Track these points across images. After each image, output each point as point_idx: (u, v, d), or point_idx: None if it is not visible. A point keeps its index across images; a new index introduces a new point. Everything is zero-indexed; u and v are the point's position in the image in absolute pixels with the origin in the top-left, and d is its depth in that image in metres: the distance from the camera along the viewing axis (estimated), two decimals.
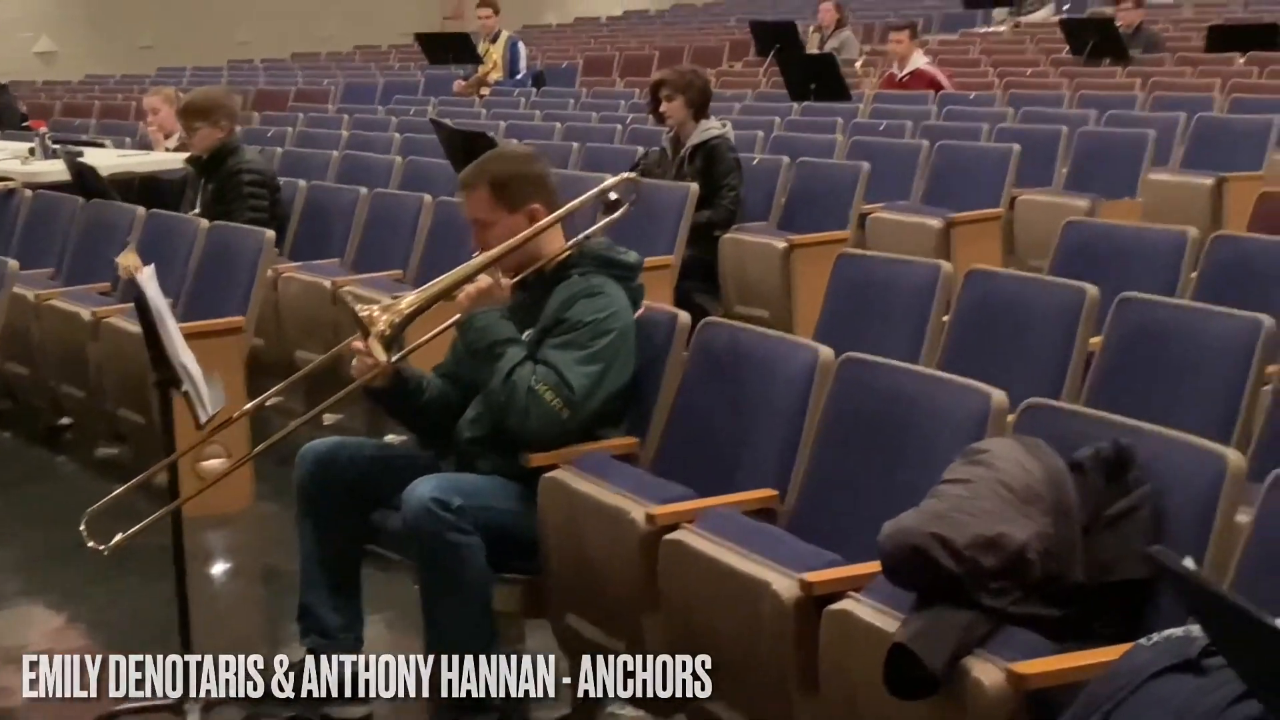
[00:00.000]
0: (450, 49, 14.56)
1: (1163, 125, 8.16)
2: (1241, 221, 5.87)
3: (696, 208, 6.83)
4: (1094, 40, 11.77)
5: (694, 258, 6.87)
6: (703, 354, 3.97)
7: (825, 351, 3.69)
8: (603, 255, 3.93)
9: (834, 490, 3.49)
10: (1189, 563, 1.97)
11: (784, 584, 3.03)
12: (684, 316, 4.03)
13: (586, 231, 3.98)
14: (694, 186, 6.85)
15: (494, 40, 13.91)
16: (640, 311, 3.96)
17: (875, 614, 2.83)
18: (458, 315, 3.88)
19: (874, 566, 2.89)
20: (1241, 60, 11.12)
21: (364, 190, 7.31)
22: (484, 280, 3.84)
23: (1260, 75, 10.36)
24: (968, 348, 4.34)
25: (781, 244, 6.89)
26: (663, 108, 7.38)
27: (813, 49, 13.13)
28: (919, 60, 11.27)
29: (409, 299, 3.82)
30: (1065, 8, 16.71)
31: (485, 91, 13.32)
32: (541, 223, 3.90)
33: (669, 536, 3.35)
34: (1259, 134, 7.91)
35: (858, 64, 12.50)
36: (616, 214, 3.96)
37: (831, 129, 8.94)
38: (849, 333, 4.44)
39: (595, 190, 4.03)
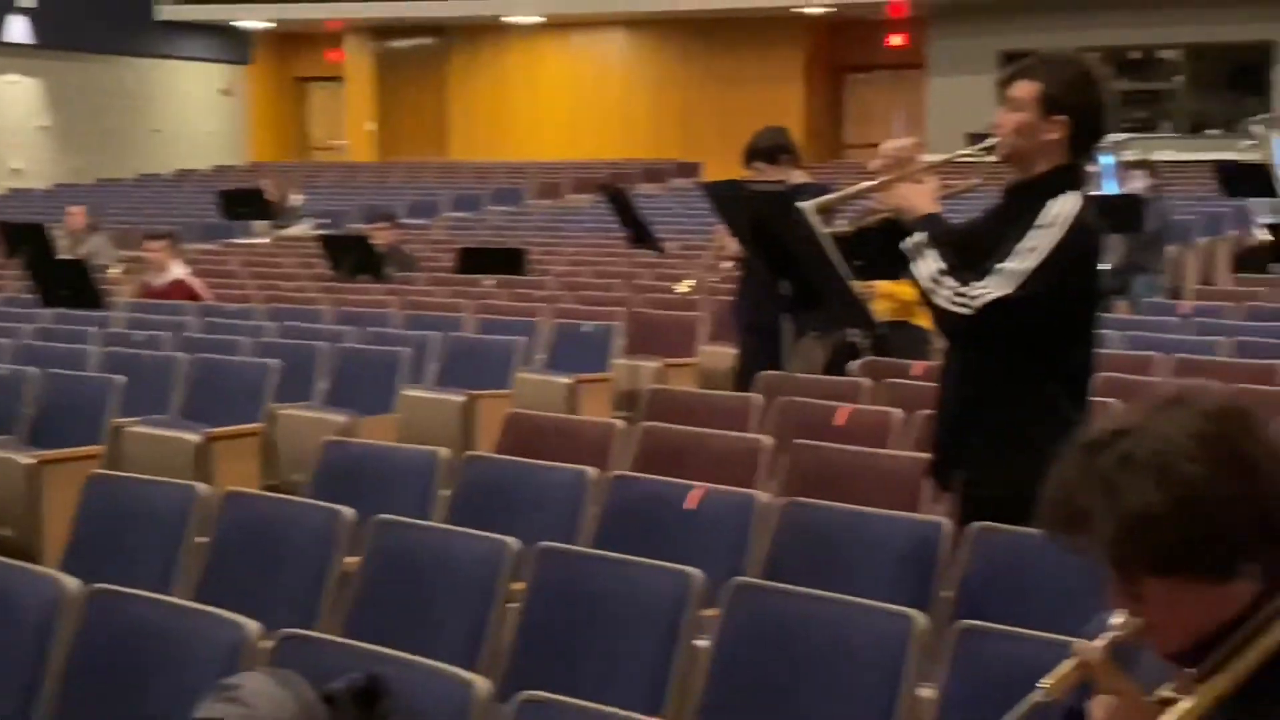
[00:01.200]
0: None
1: (417, 343, 8.44)
2: (492, 440, 6.12)
3: None
4: (352, 257, 12.08)
5: None
6: None
7: (71, 583, 3.51)
8: None
9: None
10: None
11: None
12: None
13: None
14: None
15: None
16: None
17: None
18: None
19: None
20: (490, 282, 11.72)
21: None
22: None
23: (508, 297, 10.96)
24: (226, 574, 4.26)
25: (27, 460, 6.55)
26: None
27: (66, 254, 12.74)
28: (178, 270, 11.16)
29: None
30: (324, 223, 17.10)
31: None
32: None
33: None
34: (507, 354, 8.33)
35: (114, 270, 12.23)
36: None
37: (84, 338, 8.67)
38: (101, 559, 4.25)
39: None
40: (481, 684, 2.91)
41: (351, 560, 4.20)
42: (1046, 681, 1.88)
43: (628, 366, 8.30)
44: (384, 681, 2.92)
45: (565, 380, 7.98)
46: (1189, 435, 1.83)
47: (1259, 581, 1.86)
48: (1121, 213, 10.66)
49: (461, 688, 2.90)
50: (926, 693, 3.32)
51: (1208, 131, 21.00)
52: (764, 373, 6.64)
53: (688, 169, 21.79)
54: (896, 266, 4.02)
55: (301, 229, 16.63)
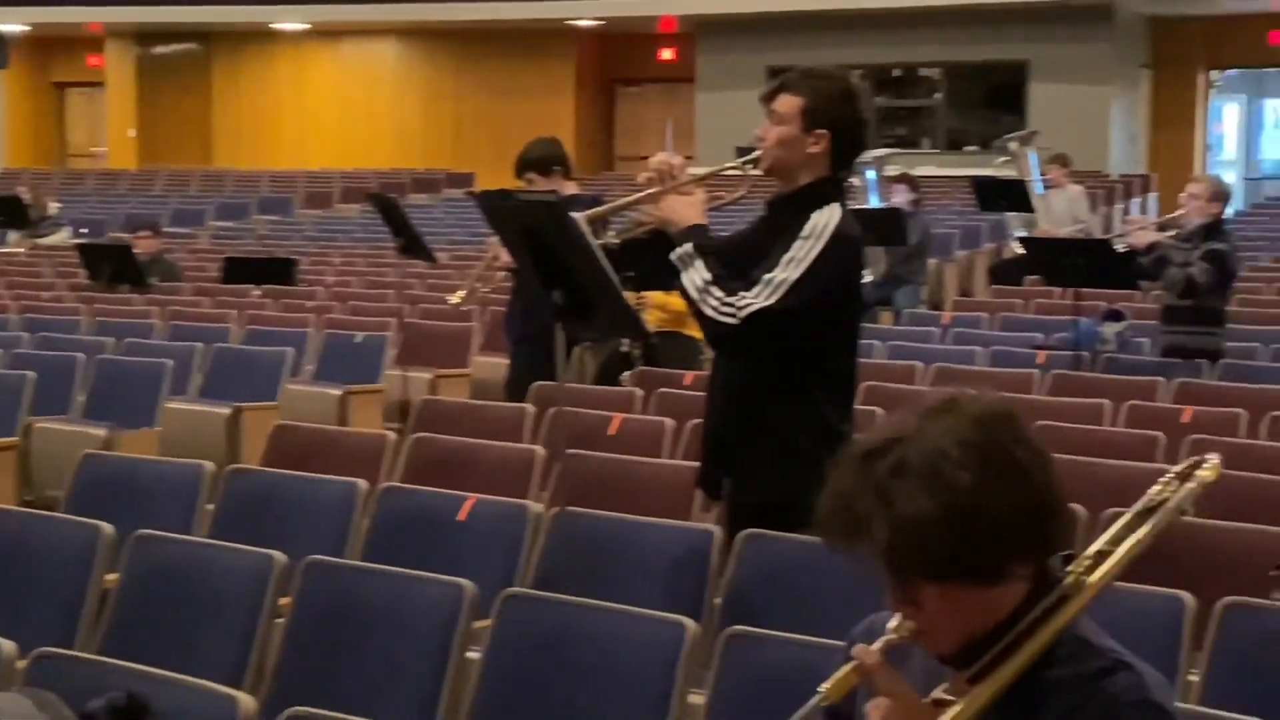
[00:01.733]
0: None
1: (181, 354, 8.26)
2: (258, 453, 6.01)
3: None
4: (112, 266, 11.76)
5: None
6: None
7: None
8: None
9: None
10: None
11: None
12: None
13: None
14: None
15: None
16: None
17: None
18: None
19: None
20: (257, 292, 11.53)
21: None
22: None
23: (275, 307, 10.78)
24: None
25: None
26: None
27: None
28: None
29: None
30: (83, 231, 16.63)
31: None
32: None
33: None
34: (274, 365, 8.19)
35: None
36: None
37: None
38: None
39: None
40: (246, 701, 2.85)
41: (112, 577, 4.09)
42: (825, 685, 1.91)
43: (399, 377, 8.23)
44: (145, 700, 2.84)
45: (335, 391, 7.89)
46: (959, 442, 1.87)
47: (1029, 580, 1.91)
48: (884, 226, 10.89)
49: (226, 705, 2.84)
50: (697, 699, 3.35)
51: (966, 148, 21.62)
52: (537, 383, 6.64)
53: (460, 179, 21.70)
54: (668, 277, 4.05)
55: (60, 237, 16.14)
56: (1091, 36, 20.40)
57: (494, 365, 8.31)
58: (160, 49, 26.48)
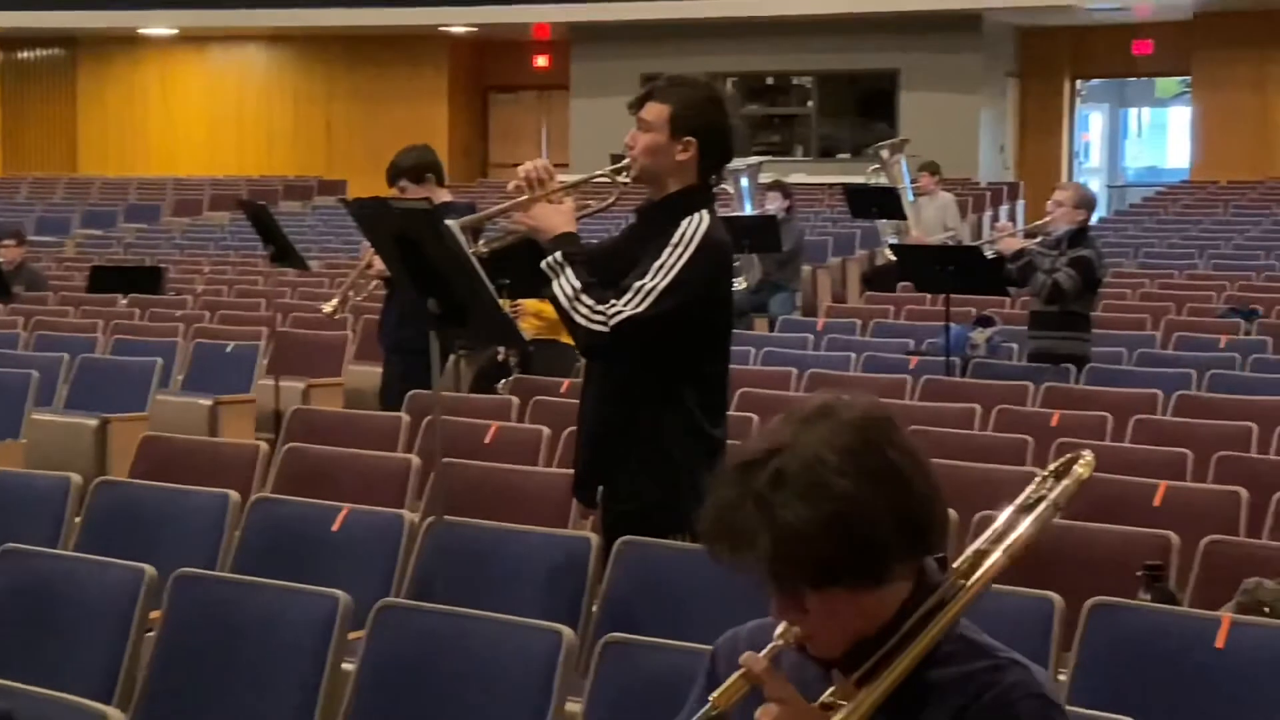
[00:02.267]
0: None
1: (46, 365, 8.11)
2: (127, 465, 5.92)
3: None
4: None
5: None
6: None
7: None
8: None
9: None
10: None
11: None
12: None
13: None
14: None
15: None
16: None
17: None
18: None
19: None
20: (125, 301, 11.35)
21: None
22: None
23: (143, 317, 10.62)
24: None
25: None
26: None
27: None
28: None
29: None
30: None
31: None
32: None
33: None
34: (143, 375, 8.07)
35: None
36: None
37: None
38: None
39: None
40: (116, 716, 2.81)
41: None
42: (715, 695, 1.91)
43: (271, 387, 8.14)
44: (13, 716, 2.79)
45: (205, 402, 7.79)
46: (835, 449, 1.88)
47: (909, 582, 1.94)
48: (759, 233, 10.98)
49: (96, 718, 2.79)
50: (574, 706, 3.35)
51: (838, 155, 21.83)
52: (412, 392, 6.60)
53: (332, 186, 21.52)
54: (541, 285, 4.05)
55: None
56: (960, 46, 20.70)
57: (368, 374, 8.25)
58: (24, 54, 26.00)
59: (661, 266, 3.92)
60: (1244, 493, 5.03)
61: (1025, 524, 2.04)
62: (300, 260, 8.67)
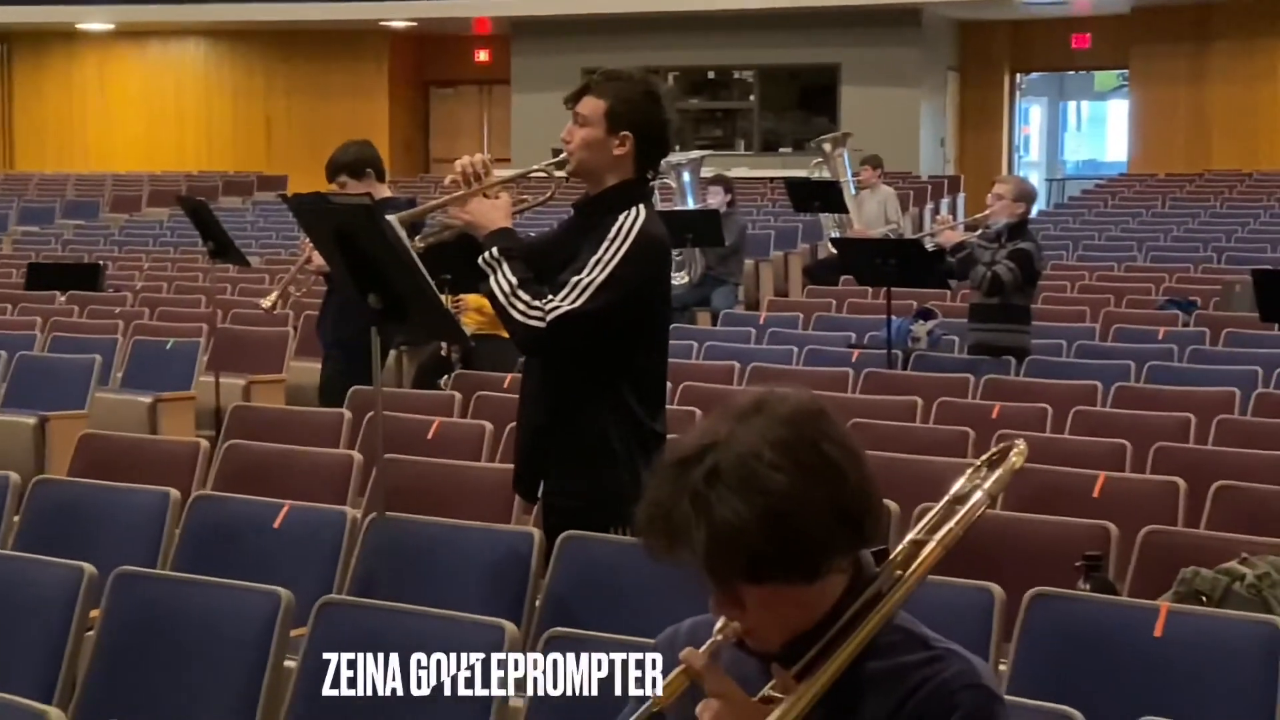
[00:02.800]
0: None
1: None
2: (66, 463, 5.87)
3: None
4: None
5: None
6: None
7: None
8: None
9: None
10: None
11: None
12: None
13: None
14: None
15: None
16: None
17: None
18: None
19: None
20: (63, 298, 11.25)
21: None
22: None
23: (81, 314, 10.53)
24: None
25: None
26: None
27: None
28: None
29: None
30: None
31: None
32: None
33: None
34: (82, 373, 8.00)
35: None
36: None
37: None
38: None
39: None
40: (57, 715, 2.79)
41: None
42: (656, 692, 1.92)
43: (211, 384, 8.09)
44: None
45: (144, 399, 7.74)
46: (770, 444, 1.89)
47: (847, 574, 1.94)
48: (701, 227, 10.99)
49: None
50: (518, 703, 3.34)
51: (780, 149, 21.89)
52: (353, 388, 6.58)
53: (272, 182, 21.39)
54: (481, 280, 4.04)
55: None
56: (900, 40, 20.79)
57: (310, 370, 8.21)
58: None
59: (598, 261, 3.92)
60: (1182, 483, 5.07)
61: (959, 515, 2.05)
62: (240, 256, 8.62)
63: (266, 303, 7.69)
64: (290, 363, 9.02)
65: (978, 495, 2.07)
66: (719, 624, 1.94)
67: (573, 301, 3.89)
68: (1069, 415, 6.56)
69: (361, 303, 4.36)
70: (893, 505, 4.33)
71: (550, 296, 3.90)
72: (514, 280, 3.92)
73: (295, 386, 8.63)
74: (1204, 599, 4.05)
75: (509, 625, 3.38)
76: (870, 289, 10.34)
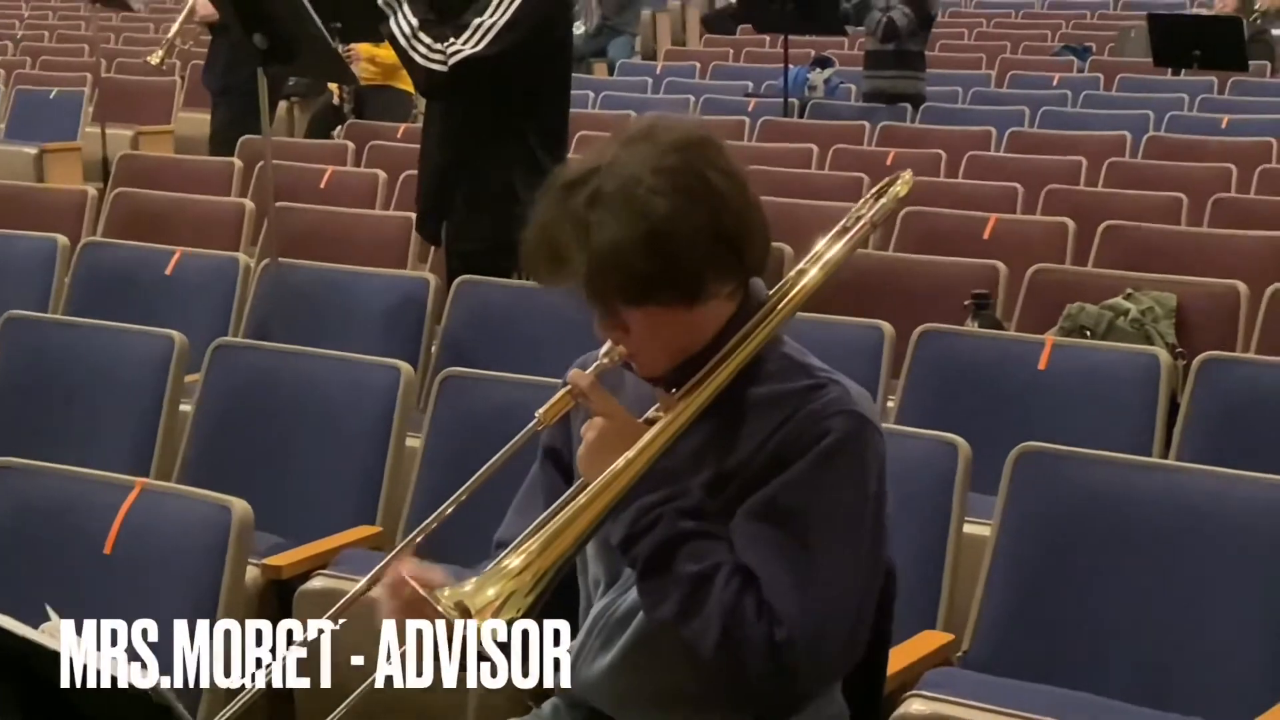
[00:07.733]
0: None
1: None
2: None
3: None
4: None
5: None
6: None
7: None
8: None
9: None
10: None
11: None
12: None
13: None
14: None
15: None
16: None
17: None
18: None
19: None
20: None
21: None
22: None
23: None
24: None
25: None
26: None
27: None
28: None
29: None
30: None
31: None
32: None
33: None
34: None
35: None
36: None
37: None
38: None
39: None
40: None
41: None
42: (540, 411, 1.94)
43: (98, 135, 7.92)
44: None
45: (30, 150, 7.59)
46: (653, 169, 1.89)
47: (733, 302, 1.96)
48: None
49: None
50: (414, 442, 3.38)
51: None
52: (244, 137, 6.47)
53: None
54: (375, 28, 3.99)
55: None
56: None
57: (199, 121, 8.04)
58: None
59: (500, 5, 3.87)
60: (1070, 223, 5.14)
61: (843, 241, 2.07)
62: (123, 1, 8.37)
63: (153, 59, 7.51)
64: (179, 114, 8.83)
65: (860, 225, 2.09)
66: (605, 348, 1.96)
67: (474, 45, 3.84)
68: (963, 160, 6.60)
69: (249, 48, 4.28)
70: (786, 248, 4.36)
71: (452, 40, 3.84)
72: (414, 22, 3.85)
73: (184, 138, 8.47)
74: (1088, 333, 4.14)
75: (405, 365, 3.40)
76: (768, 39, 10.25)
